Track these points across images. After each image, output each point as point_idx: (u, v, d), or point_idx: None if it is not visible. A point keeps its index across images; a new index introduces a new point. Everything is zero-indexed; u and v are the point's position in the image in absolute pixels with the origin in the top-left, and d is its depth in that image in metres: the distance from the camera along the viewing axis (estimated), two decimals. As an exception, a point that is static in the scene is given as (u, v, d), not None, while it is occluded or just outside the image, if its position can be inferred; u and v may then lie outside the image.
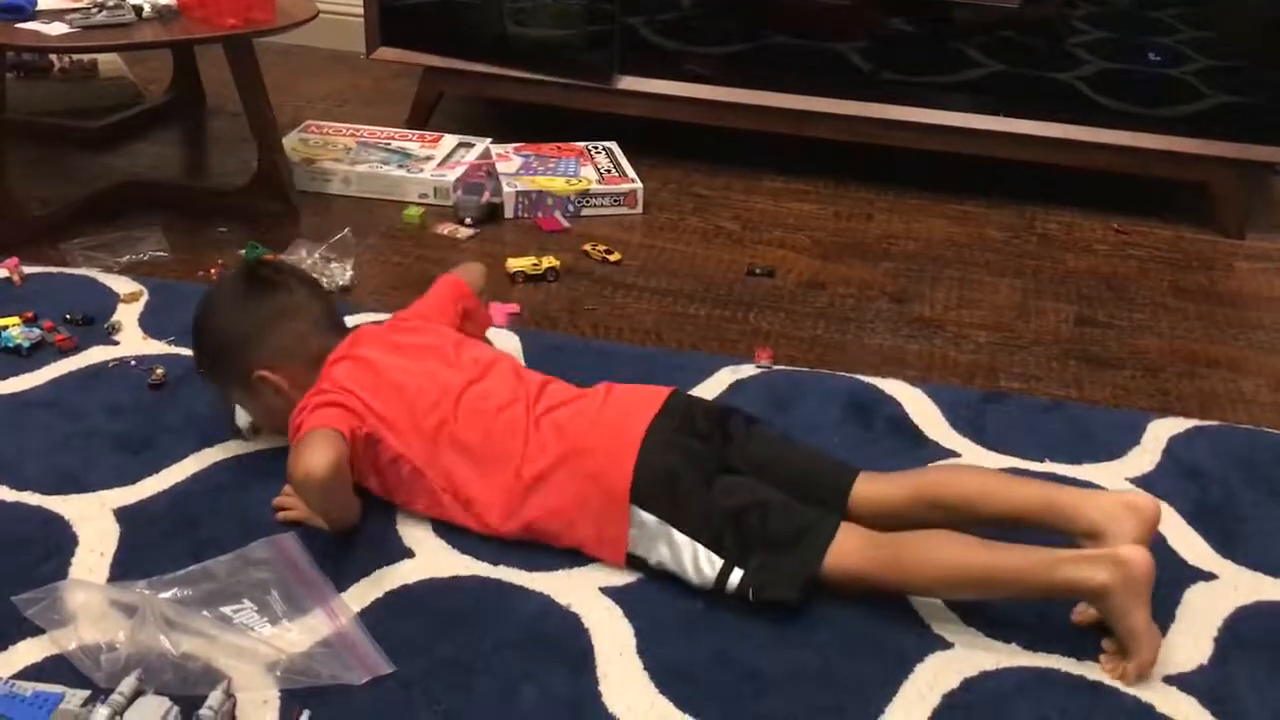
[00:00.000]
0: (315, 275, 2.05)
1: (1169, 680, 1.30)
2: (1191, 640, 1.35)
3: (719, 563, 1.36)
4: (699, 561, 1.37)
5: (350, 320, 1.92)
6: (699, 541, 1.36)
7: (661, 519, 1.38)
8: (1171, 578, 1.42)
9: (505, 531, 1.44)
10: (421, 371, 1.49)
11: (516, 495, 1.43)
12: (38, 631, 1.27)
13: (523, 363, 1.66)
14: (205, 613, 1.28)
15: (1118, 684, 1.29)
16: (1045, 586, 1.31)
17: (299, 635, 1.28)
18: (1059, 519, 1.37)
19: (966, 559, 1.33)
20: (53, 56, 2.71)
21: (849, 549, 1.35)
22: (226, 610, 1.30)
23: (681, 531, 1.37)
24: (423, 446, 1.44)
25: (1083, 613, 1.36)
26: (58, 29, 2.01)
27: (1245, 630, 1.39)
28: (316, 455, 1.33)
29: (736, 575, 1.35)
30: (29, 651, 1.25)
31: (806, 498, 1.41)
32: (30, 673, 1.23)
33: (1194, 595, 1.43)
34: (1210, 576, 1.47)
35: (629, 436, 1.40)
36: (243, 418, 1.65)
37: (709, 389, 1.79)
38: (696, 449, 1.42)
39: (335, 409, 1.43)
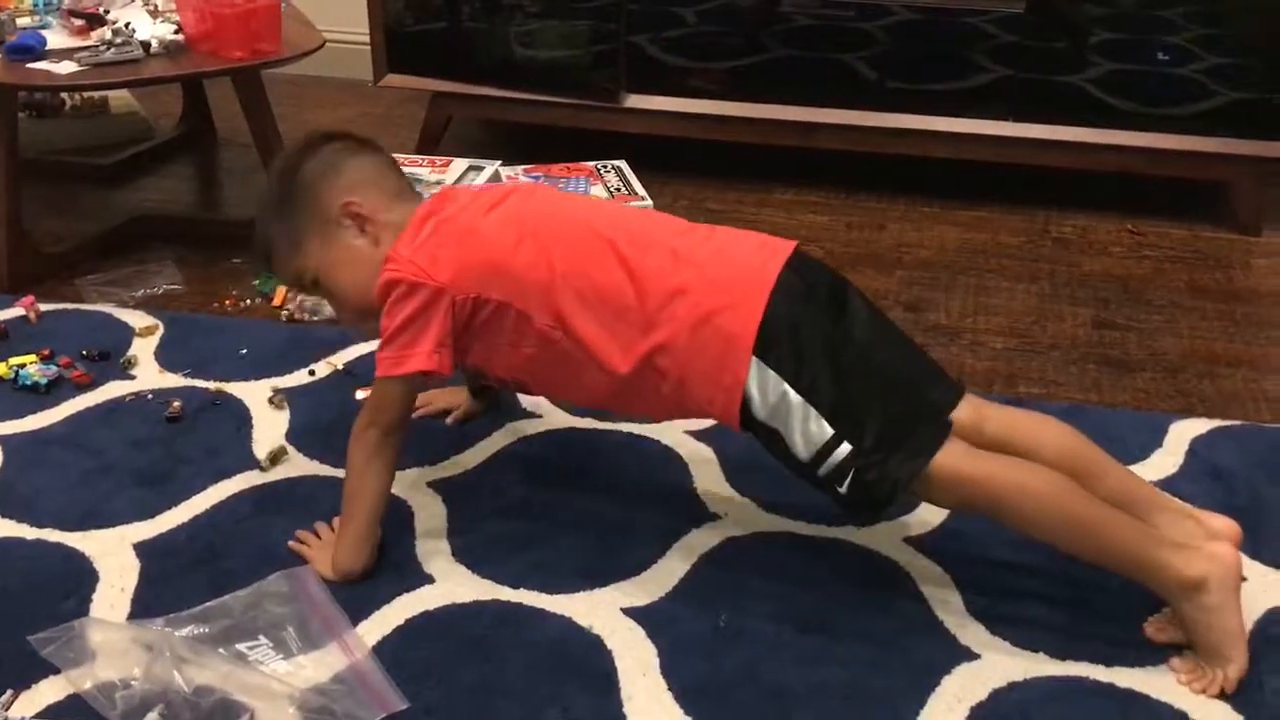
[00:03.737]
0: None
1: (1200, 685, 1.29)
2: (1222, 644, 1.33)
3: (829, 432, 1.28)
4: (809, 424, 1.29)
5: (365, 347, 1.93)
6: (812, 405, 1.29)
7: (780, 374, 1.29)
8: (1199, 581, 1.40)
9: (623, 371, 1.35)
10: (516, 214, 1.41)
11: (628, 327, 1.34)
12: (58, 670, 1.27)
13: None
14: (221, 650, 1.28)
15: (1149, 691, 1.28)
16: (1139, 561, 1.27)
17: (314, 671, 1.28)
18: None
19: (1071, 499, 1.27)
20: (64, 95, 2.73)
21: (957, 455, 1.28)
22: (242, 647, 1.30)
23: (797, 391, 1.29)
24: (526, 290, 1.36)
25: (1162, 629, 1.33)
26: (67, 68, 2.03)
27: (1276, 633, 1.37)
28: (386, 405, 1.38)
29: (844, 450, 1.28)
30: (51, 690, 1.25)
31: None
32: (53, 712, 1.23)
33: (1223, 598, 1.41)
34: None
35: (758, 282, 1.31)
36: (261, 449, 1.65)
37: (725, 404, 1.78)
38: (820, 314, 1.34)
39: (419, 335, 1.36)
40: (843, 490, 1.30)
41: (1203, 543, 1.29)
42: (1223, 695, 1.27)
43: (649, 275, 1.34)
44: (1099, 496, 1.31)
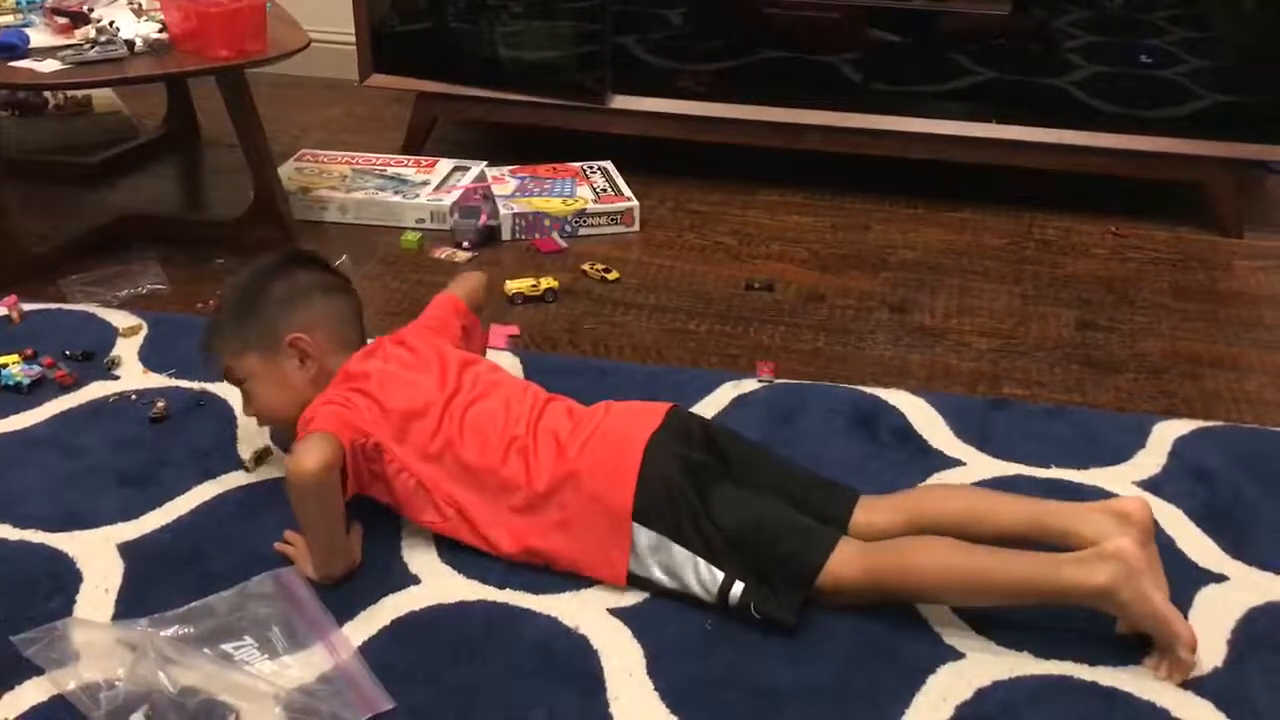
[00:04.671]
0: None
1: (1184, 685, 1.29)
2: (1205, 643, 1.33)
3: (720, 576, 1.35)
4: (700, 575, 1.36)
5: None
6: (699, 556, 1.36)
7: (661, 534, 1.37)
8: (1182, 581, 1.41)
9: (508, 553, 1.44)
10: (426, 390, 1.48)
11: (517, 517, 1.43)
12: (41, 671, 1.26)
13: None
14: (206, 650, 1.28)
15: (1132, 690, 1.29)
16: (1048, 590, 1.30)
17: (299, 671, 1.28)
18: (1053, 539, 1.36)
19: (966, 562, 1.32)
20: (47, 93, 2.72)
21: (847, 559, 1.35)
22: (227, 647, 1.29)
23: (681, 546, 1.37)
24: (427, 464, 1.45)
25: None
26: (51, 66, 2.02)
27: (1258, 631, 1.38)
28: (311, 454, 1.35)
29: (738, 588, 1.35)
30: (35, 691, 1.25)
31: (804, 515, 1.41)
32: (37, 712, 1.22)
33: (1205, 598, 1.42)
34: (1221, 578, 1.46)
35: (629, 455, 1.40)
36: (246, 449, 1.65)
37: (711, 405, 1.79)
38: (695, 462, 1.42)
39: (342, 413, 1.43)
40: (754, 615, 1.35)
41: (1102, 541, 1.30)
42: (1203, 690, 1.28)
43: (537, 467, 1.42)
44: (1002, 532, 1.37)
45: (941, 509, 1.43)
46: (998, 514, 1.41)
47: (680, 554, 1.37)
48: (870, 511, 1.44)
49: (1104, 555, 1.28)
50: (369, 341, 1.59)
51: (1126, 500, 1.39)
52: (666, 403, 1.51)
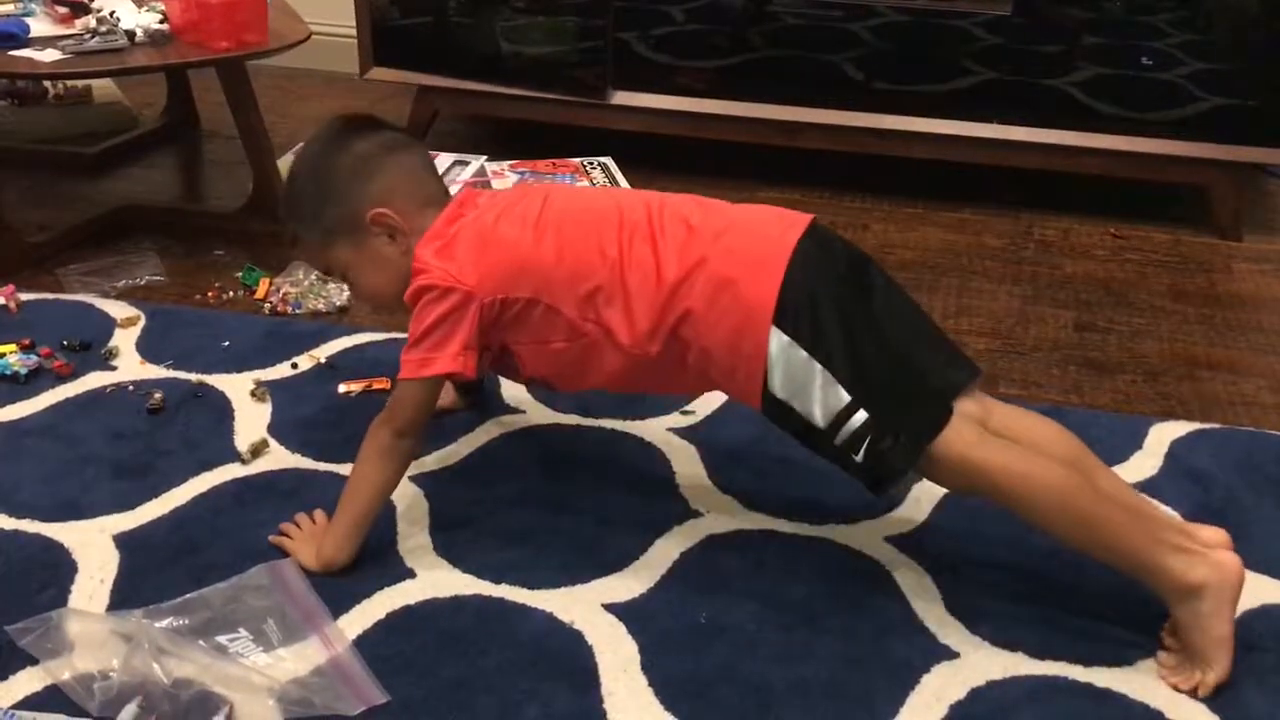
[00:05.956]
0: (312, 296, 2.06)
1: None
2: (1199, 645, 1.34)
3: (846, 398, 1.28)
4: (827, 391, 1.29)
5: (347, 341, 1.93)
6: (830, 371, 1.29)
7: (798, 343, 1.29)
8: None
9: (650, 349, 1.36)
10: (534, 212, 1.40)
11: (656, 304, 1.34)
12: (35, 661, 1.26)
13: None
14: (201, 642, 1.28)
15: (1126, 690, 1.29)
16: (1142, 561, 1.27)
17: (294, 664, 1.27)
18: None
19: (1080, 495, 1.27)
20: (47, 83, 2.72)
21: (970, 439, 1.28)
22: (222, 639, 1.29)
23: (815, 358, 1.29)
24: (554, 282, 1.37)
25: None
26: (51, 56, 2.01)
27: (1252, 633, 1.38)
28: (412, 405, 1.38)
29: (860, 417, 1.28)
30: (29, 681, 1.24)
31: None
32: (31, 702, 1.22)
33: (1200, 600, 1.42)
34: (1216, 580, 1.46)
35: (776, 250, 1.32)
36: (243, 441, 1.65)
37: (708, 404, 1.78)
38: (838, 285, 1.33)
39: (447, 338, 1.36)
40: (859, 458, 1.30)
41: (1206, 549, 1.28)
42: (1199, 696, 1.28)
43: (668, 250, 1.34)
44: None
45: (1056, 454, 1.34)
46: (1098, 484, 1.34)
47: (813, 366, 1.28)
48: (985, 410, 1.35)
49: (1212, 561, 1.25)
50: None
51: (1206, 529, 1.33)
52: (806, 214, 1.40)
